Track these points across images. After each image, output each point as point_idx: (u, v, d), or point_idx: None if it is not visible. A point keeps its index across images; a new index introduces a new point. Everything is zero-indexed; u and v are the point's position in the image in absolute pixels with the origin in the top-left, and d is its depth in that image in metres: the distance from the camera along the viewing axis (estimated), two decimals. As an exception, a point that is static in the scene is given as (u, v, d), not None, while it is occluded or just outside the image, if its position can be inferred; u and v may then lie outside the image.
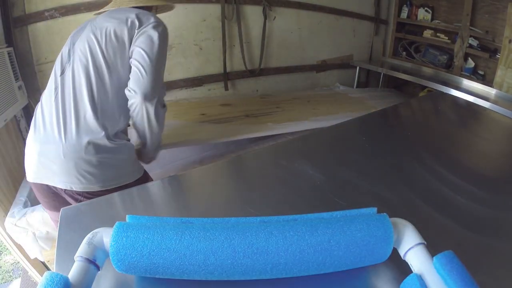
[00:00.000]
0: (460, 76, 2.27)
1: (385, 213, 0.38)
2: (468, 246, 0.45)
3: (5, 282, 1.77)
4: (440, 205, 0.54)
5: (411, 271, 0.35)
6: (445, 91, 1.97)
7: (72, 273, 0.33)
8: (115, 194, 0.62)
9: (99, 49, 0.81)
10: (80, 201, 0.79)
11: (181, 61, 2.03)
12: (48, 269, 1.33)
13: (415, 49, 2.68)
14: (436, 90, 2.12)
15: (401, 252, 0.37)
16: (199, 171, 0.68)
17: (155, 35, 0.82)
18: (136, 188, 0.62)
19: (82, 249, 0.35)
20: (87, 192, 0.79)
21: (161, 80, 0.87)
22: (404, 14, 2.67)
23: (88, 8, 1.67)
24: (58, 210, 0.54)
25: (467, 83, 2.17)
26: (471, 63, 2.27)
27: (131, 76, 0.82)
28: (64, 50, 0.88)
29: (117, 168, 0.83)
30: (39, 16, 1.56)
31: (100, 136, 0.79)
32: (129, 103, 0.83)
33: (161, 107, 0.88)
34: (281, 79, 2.49)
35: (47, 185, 0.80)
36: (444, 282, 0.31)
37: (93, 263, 0.35)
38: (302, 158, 0.70)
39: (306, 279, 0.38)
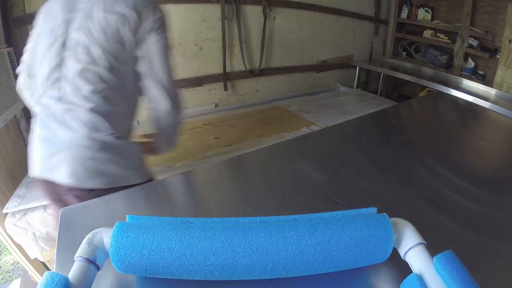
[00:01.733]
0: (460, 76, 2.28)
1: (385, 213, 0.38)
2: (468, 246, 0.45)
3: (5, 282, 1.77)
4: (440, 205, 0.54)
5: (411, 271, 0.35)
6: (445, 91, 1.97)
7: (72, 273, 0.33)
8: (115, 194, 0.62)
9: (99, 45, 0.75)
10: (81, 198, 0.77)
11: (181, 61, 2.03)
12: (48, 269, 1.33)
13: (415, 49, 2.69)
14: (436, 90, 2.12)
15: (401, 252, 0.37)
16: (199, 171, 0.68)
17: (162, 39, 0.79)
18: (136, 188, 0.62)
19: (82, 249, 0.35)
20: (87, 190, 0.77)
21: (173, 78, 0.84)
22: (404, 14, 2.68)
23: (88, 8, 1.67)
24: (60, 207, 0.53)
25: (467, 83, 2.17)
26: (471, 63, 2.27)
27: (148, 89, 0.81)
28: (56, 30, 0.78)
29: (120, 168, 0.80)
30: (39, 16, 1.56)
31: (105, 134, 0.77)
32: (154, 114, 0.84)
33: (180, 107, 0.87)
34: (281, 79, 2.50)
35: (50, 181, 0.78)
36: (444, 282, 0.31)
37: (93, 263, 0.35)
38: (302, 158, 0.70)
39: (306, 279, 0.38)
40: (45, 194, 0.86)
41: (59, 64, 0.76)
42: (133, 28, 0.76)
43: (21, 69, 0.85)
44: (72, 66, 0.76)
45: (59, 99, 0.76)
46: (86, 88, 0.75)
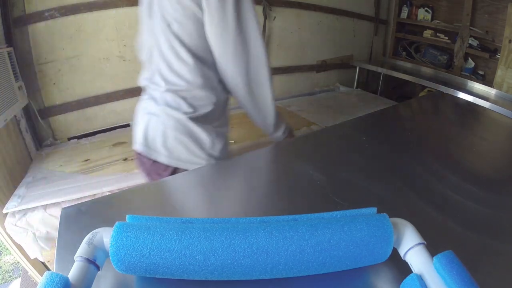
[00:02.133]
0: (460, 76, 2.28)
1: (385, 213, 0.38)
2: (468, 246, 0.45)
3: (5, 282, 1.77)
4: (440, 205, 0.54)
5: (411, 271, 0.35)
6: (445, 91, 1.97)
7: (72, 273, 0.33)
8: (115, 194, 0.62)
9: (176, 22, 0.68)
10: (155, 171, 0.80)
11: (181, 61, 2.03)
12: (48, 269, 1.33)
13: (415, 49, 2.69)
14: (436, 90, 2.12)
15: (401, 252, 0.37)
16: (199, 171, 0.68)
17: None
18: (136, 188, 0.62)
19: (82, 249, 0.35)
20: (159, 164, 0.78)
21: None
22: (404, 14, 2.68)
23: (88, 8, 1.67)
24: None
25: (467, 83, 2.17)
26: (471, 63, 2.27)
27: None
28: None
29: (187, 151, 0.77)
30: (39, 16, 1.56)
31: (181, 112, 0.74)
32: (234, 93, 0.77)
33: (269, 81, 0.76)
34: (281, 79, 2.50)
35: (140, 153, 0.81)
36: (444, 282, 0.31)
37: (93, 263, 0.35)
38: (302, 158, 0.70)
39: (306, 279, 0.38)
40: (140, 166, 0.88)
41: (150, 45, 0.76)
42: None
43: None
44: (156, 47, 0.74)
45: (148, 78, 0.79)
46: (167, 66, 0.73)
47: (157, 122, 0.76)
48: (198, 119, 0.76)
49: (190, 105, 0.75)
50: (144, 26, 0.79)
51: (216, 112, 0.80)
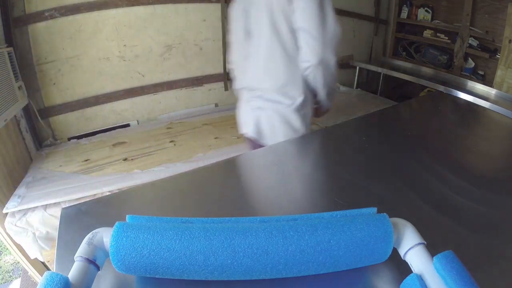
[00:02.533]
0: (460, 76, 2.27)
1: (385, 213, 0.38)
2: (468, 246, 0.45)
3: (5, 282, 1.77)
4: (440, 205, 0.54)
5: (411, 271, 0.35)
6: (445, 91, 1.97)
7: (72, 273, 0.33)
8: (115, 194, 0.62)
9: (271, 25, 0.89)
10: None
11: (181, 61, 2.03)
12: (48, 269, 1.33)
13: (415, 49, 2.69)
14: (436, 90, 2.12)
15: (401, 252, 0.37)
16: (199, 171, 0.68)
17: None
18: (136, 188, 0.62)
19: (82, 249, 0.35)
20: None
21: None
22: (404, 14, 2.67)
23: (88, 8, 1.67)
24: None
25: (467, 83, 2.17)
26: (471, 63, 2.27)
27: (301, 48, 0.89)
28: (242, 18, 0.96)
29: (285, 133, 0.98)
30: (39, 16, 1.56)
31: (276, 103, 0.95)
32: (308, 73, 0.91)
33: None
34: (281, 79, 2.49)
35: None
36: (444, 282, 0.31)
37: (93, 263, 0.35)
38: (302, 158, 0.70)
39: (306, 279, 0.38)
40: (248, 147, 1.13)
41: (246, 58, 0.98)
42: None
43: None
44: (255, 50, 0.94)
45: (249, 83, 0.99)
46: (268, 72, 0.94)
47: (266, 116, 0.99)
48: (297, 109, 0.96)
49: (290, 98, 0.94)
50: (238, 45, 1.01)
51: (307, 99, 0.97)
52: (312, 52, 0.87)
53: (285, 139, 0.85)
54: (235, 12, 0.97)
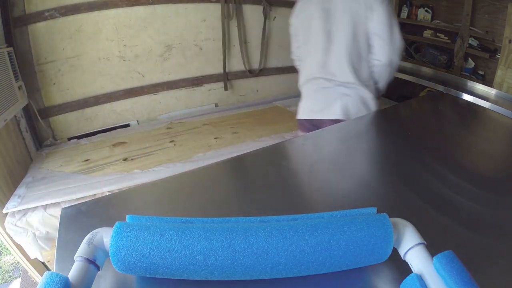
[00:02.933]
0: (460, 76, 2.27)
1: (385, 213, 0.38)
2: (468, 246, 0.45)
3: (5, 282, 1.77)
4: (440, 205, 0.54)
5: (411, 271, 0.35)
6: (445, 91, 1.97)
7: (72, 273, 0.33)
8: (115, 194, 0.63)
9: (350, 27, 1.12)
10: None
11: (181, 61, 2.04)
12: (48, 269, 1.33)
13: (415, 49, 2.68)
14: (436, 90, 2.12)
15: (401, 252, 0.37)
16: (199, 171, 0.68)
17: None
18: (136, 188, 0.62)
19: (82, 249, 0.35)
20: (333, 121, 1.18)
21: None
22: (404, 14, 2.67)
23: (88, 8, 1.67)
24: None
25: (467, 83, 2.17)
26: (471, 63, 2.27)
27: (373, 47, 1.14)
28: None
29: (359, 109, 1.19)
30: (39, 16, 1.56)
31: (366, 91, 1.18)
32: (376, 67, 1.17)
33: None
34: (281, 79, 2.50)
35: (314, 119, 1.25)
36: (444, 282, 0.31)
37: (93, 263, 0.35)
38: (302, 158, 0.70)
39: (306, 279, 0.38)
40: (303, 129, 1.31)
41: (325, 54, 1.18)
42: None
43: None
44: (336, 57, 1.16)
45: (330, 75, 1.19)
46: (352, 65, 1.15)
47: (352, 101, 1.18)
48: (373, 96, 1.19)
49: (368, 88, 1.18)
50: (317, 41, 1.18)
51: (373, 85, 1.22)
52: (383, 54, 1.11)
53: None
54: (313, 11, 1.15)
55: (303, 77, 1.30)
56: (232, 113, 2.08)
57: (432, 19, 2.49)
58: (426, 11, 2.49)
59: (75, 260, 0.34)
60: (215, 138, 1.72)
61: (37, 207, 1.19)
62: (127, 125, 1.98)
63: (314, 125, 1.25)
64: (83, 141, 1.78)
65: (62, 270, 0.36)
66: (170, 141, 1.71)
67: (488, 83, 2.08)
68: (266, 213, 0.45)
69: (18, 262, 1.54)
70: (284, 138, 1.69)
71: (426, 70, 2.51)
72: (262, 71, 2.33)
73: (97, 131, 1.88)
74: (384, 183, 0.60)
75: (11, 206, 1.16)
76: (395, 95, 2.92)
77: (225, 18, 2.05)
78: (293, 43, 1.32)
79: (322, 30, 1.15)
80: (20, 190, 1.26)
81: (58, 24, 1.62)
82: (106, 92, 1.87)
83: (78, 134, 1.85)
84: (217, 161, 0.71)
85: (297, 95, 2.49)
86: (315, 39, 1.18)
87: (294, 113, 2.07)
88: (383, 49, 1.11)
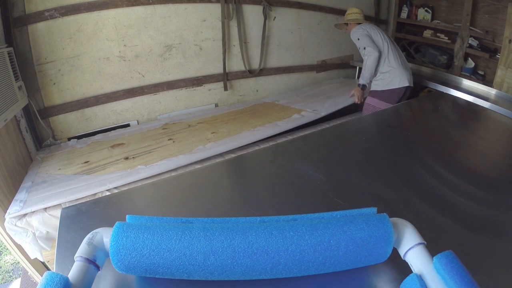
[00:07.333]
0: (460, 76, 2.27)
1: (385, 213, 0.38)
2: (468, 246, 0.45)
3: (5, 282, 1.77)
4: (440, 205, 0.54)
5: (411, 271, 0.35)
6: (445, 91, 1.97)
7: (72, 273, 0.33)
8: (115, 194, 0.62)
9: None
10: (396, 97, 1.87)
11: (181, 61, 2.03)
12: (48, 269, 1.33)
13: (415, 49, 2.68)
14: (436, 90, 2.12)
15: (401, 252, 0.37)
16: (199, 171, 0.68)
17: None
18: (136, 188, 0.62)
19: (82, 249, 0.35)
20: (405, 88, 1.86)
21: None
22: (404, 14, 2.67)
23: (88, 8, 1.67)
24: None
25: (467, 83, 2.17)
26: (471, 63, 2.27)
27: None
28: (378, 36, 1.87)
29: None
30: (39, 16, 1.56)
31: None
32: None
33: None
34: (281, 79, 2.50)
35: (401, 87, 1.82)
36: (444, 282, 0.31)
37: (93, 263, 0.35)
38: (302, 158, 0.70)
39: (306, 279, 0.38)
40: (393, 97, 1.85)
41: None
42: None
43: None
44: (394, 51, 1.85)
45: (394, 60, 1.84)
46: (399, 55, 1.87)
47: (410, 75, 1.83)
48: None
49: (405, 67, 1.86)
50: (384, 42, 1.85)
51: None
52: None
53: None
54: (375, 31, 1.87)
55: None
56: (223, 112, 2.09)
57: (432, 19, 2.49)
58: (426, 11, 2.49)
59: (75, 260, 0.34)
60: (212, 133, 1.72)
61: (37, 208, 1.19)
62: (127, 125, 1.97)
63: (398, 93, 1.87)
64: (83, 141, 1.78)
65: (62, 270, 0.36)
66: (169, 139, 1.71)
67: (488, 83, 2.08)
68: (266, 213, 0.45)
69: (18, 262, 1.54)
70: (278, 125, 1.72)
71: (426, 70, 2.51)
72: (262, 71, 2.33)
73: (97, 131, 1.88)
74: (384, 183, 0.60)
75: (13, 211, 1.15)
76: (395, 95, 2.91)
77: (225, 18, 2.04)
78: None
79: (385, 42, 1.89)
80: (20, 195, 1.25)
81: (58, 24, 1.62)
82: (106, 92, 1.87)
83: (78, 134, 1.85)
84: (217, 161, 0.71)
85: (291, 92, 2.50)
86: (387, 47, 1.91)
87: (283, 106, 2.10)
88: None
